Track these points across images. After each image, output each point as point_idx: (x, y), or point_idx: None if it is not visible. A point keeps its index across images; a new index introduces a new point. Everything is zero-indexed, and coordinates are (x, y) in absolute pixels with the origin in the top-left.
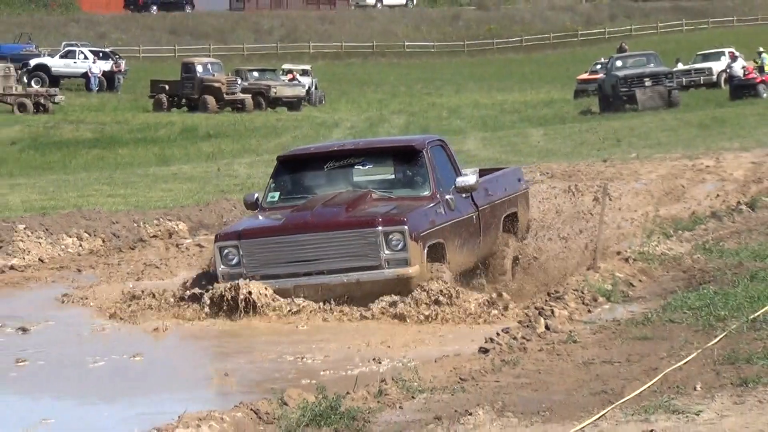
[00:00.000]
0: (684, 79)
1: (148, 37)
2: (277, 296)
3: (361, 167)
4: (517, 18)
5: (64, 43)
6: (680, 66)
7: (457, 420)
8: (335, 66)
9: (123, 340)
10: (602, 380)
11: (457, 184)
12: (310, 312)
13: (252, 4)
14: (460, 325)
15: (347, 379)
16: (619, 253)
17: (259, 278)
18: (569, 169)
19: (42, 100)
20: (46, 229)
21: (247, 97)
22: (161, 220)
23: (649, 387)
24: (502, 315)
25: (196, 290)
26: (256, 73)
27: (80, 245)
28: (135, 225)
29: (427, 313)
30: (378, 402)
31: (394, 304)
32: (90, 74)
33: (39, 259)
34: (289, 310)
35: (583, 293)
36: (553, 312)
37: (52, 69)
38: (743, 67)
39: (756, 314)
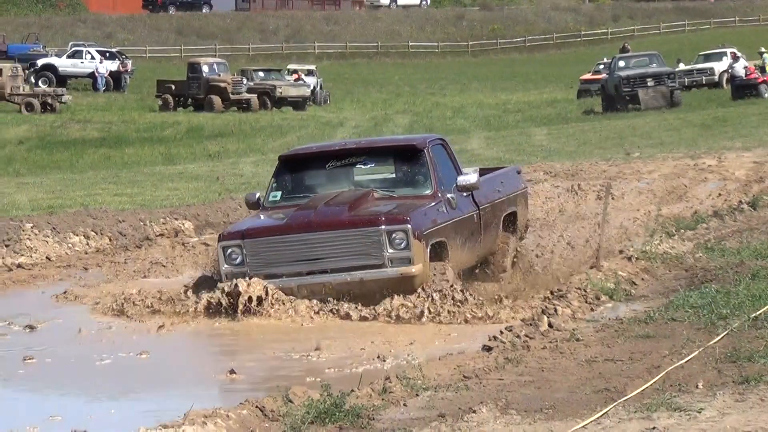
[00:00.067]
0: (686, 79)
1: (155, 38)
2: (278, 294)
3: (362, 166)
4: (521, 18)
5: (71, 43)
6: (681, 66)
7: (460, 417)
8: (340, 66)
9: (129, 338)
10: (605, 378)
11: (458, 183)
12: (315, 312)
13: (257, 4)
14: (463, 324)
15: (352, 377)
16: (621, 251)
17: (263, 277)
18: (572, 168)
19: (49, 100)
20: (53, 228)
21: (253, 97)
22: (167, 218)
23: (651, 385)
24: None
25: (200, 290)
26: (261, 73)
27: (87, 244)
28: (141, 224)
29: (431, 314)
30: (382, 399)
31: (399, 307)
32: (97, 74)
33: (46, 258)
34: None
35: (586, 292)
36: (556, 310)
37: (60, 69)
38: (745, 68)
39: (757, 313)
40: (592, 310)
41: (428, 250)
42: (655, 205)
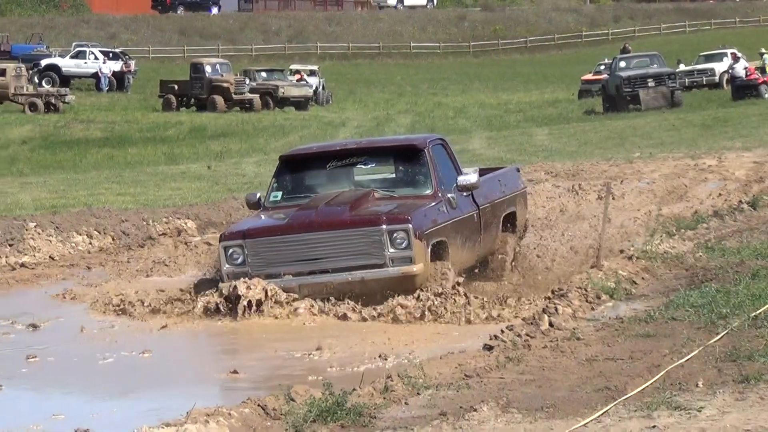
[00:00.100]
0: (687, 80)
1: (158, 38)
2: (278, 296)
3: (363, 166)
4: (522, 19)
5: (74, 44)
6: (681, 67)
7: (462, 416)
8: (342, 66)
9: (132, 336)
10: (605, 377)
11: (458, 183)
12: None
13: (260, 5)
14: (464, 324)
15: (354, 376)
16: (622, 251)
17: (264, 277)
18: (573, 168)
19: (53, 100)
20: (57, 227)
21: (255, 97)
22: (170, 218)
23: (651, 384)
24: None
25: (202, 290)
26: (264, 74)
27: (90, 243)
28: (144, 223)
29: (433, 315)
30: (384, 398)
31: (400, 307)
32: (100, 74)
33: (49, 257)
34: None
35: (586, 291)
36: (557, 309)
37: (63, 69)
38: (745, 68)
39: (757, 312)
40: (592, 309)
41: (429, 249)
42: (656, 205)
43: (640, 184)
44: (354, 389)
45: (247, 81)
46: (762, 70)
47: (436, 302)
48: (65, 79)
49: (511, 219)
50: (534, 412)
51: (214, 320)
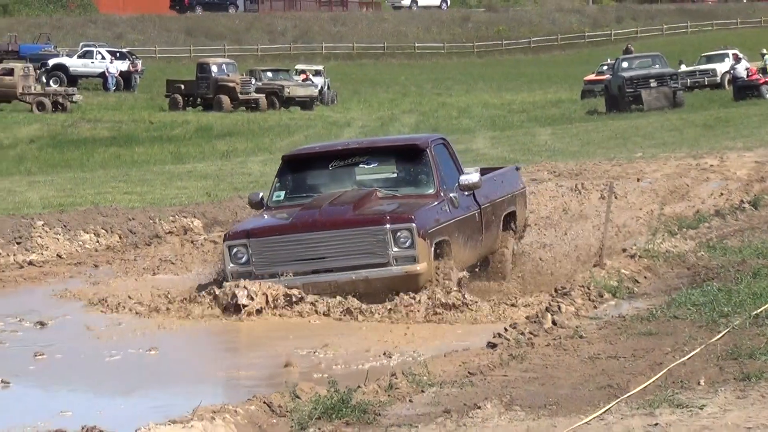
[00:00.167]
0: (689, 80)
1: (165, 38)
2: (279, 301)
3: (365, 166)
4: (526, 20)
5: (82, 44)
6: (683, 67)
7: (465, 413)
8: (347, 66)
9: (138, 334)
10: (608, 375)
11: (460, 183)
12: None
13: (266, 5)
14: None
15: (358, 374)
16: (624, 250)
17: (268, 276)
18: (576, 167)
19: (60, 99)
20: (64, 226)
21: (261, 97)
22: (176, 216)
23: (653, 382)
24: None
25: (207, 289)
26: (269, 74)
27: (97, 241)
28: (151, 222)
29: (436, 315)
30: (388, 395)
31: (405, 307)
32: (107, 74)
33: (57, 255)
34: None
35: (589, 289)
36: (560, 308)
37: (70, 69)
38: (746, 69)
39: (759, 310)
40: (595, 307)
41: (432, 248)
42: (658, 205)
43: (642, 183)
44: (359, 387)
45: (253, 81)
46: (763, 70)
47: (441, 302)
48: (73, 79)
49: (511, 218)
50: (537, 409)
51: (220, 318)
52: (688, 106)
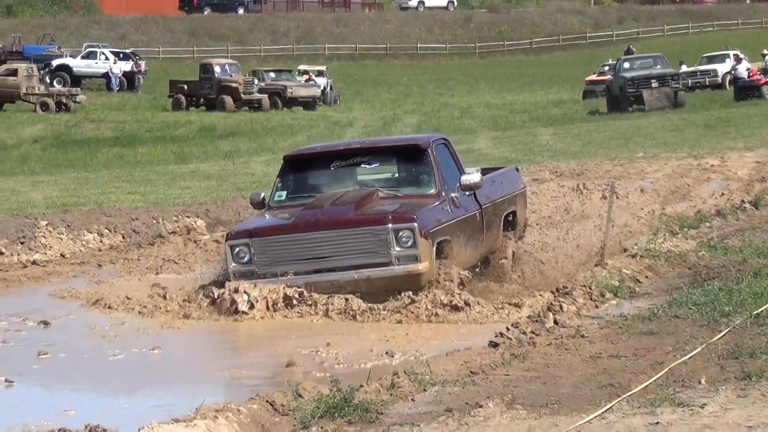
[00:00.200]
0: (690, 81)
1: (168, 39)
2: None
3: (367, 166)
4: (528, 21)
5: (85, 44)
6: (684, 68)
7: (467, 412)
8: (350, 67)
9: (142, 333)
10: (609, 374)
11: (462, 182)
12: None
13: (269, 6)
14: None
15: (361, 373)
16: (626, 250)
17: (270, 275)
18: (577, 167)
19: (64, 100)
20: (68, 226)
21: (264, 97)
22: (180, 216)
23: (654, 381)
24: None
25: (210, 288)
26: (272, 74)
27: (101, 241)
28: (154, 221)
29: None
30: (391, 394)
31: (407, 306)
32: (111, 74)
33: (60, 255)
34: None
35: (590, 289)
36: (561, 307)
37: (74, 69)
38: (747, 69)
39: (759, 310)
40: (596, 307)
41: (434, 248)
42: (659, 204)
43: (643, 183)
44: (361, 386)
45: (256, 81)
46: (764, 71)
47: (442, 301)
48: (76, 79)
49: (511, 218)
50: (539, 408)
51: (223, 317)
52: (690, 107)
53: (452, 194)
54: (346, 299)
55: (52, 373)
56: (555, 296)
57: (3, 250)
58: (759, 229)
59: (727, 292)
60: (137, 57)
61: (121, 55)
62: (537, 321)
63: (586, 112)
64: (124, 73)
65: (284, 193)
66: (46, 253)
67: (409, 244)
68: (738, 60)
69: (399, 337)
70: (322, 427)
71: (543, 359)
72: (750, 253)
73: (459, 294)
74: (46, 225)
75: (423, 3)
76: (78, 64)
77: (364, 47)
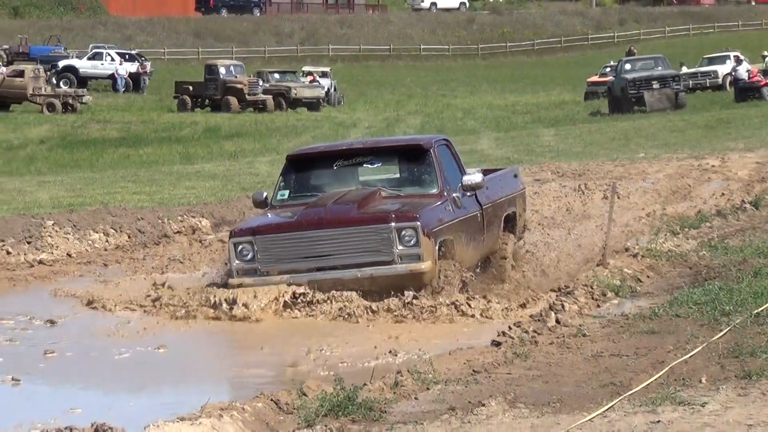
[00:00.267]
0: (690, 82)
1: (173, 40)
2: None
3: (369, 166)
4: (530, 22)
5: (91, 46)
6: (684, 69)
7: (470, 411)
8: (353, 68)
9: (147, 332)
10: (611, 373)
11: (463, 183)
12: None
13: (273, 8)
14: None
15: (364, 371)
16: (627, 249)
17: (273, 273)
18: (579, 168)
19: (70, 101)
20: (74, 225)
21: (269, 98)
22: (185, 216)
23: (656, 379)
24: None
25: (214, 288)
26: (277, 75)
27: (107, 241)
28: (159, 221)
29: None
30: (394, 393)
31: (408, 305)
32: (117, 75)
33: (67, 254)
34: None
35: (592, 288)
36: (563, 306)
37: (80, 70)
38: (748, 71)
39: (760, 309)
40: (598, 306)
41: (437, 247)
42: (660, 205)
43: (644, 183)
44: (365, 384)
45: (261, 82)
46: (765, 72)
47: (444, 301)
48: (82, 80)
49: (511, 219)
50: (541, 407)
51: (227, 317)
52: (690, 108)
53: (454, 194)
54: (349, 298)
55: (58, 371)
56: (557, 295)
57: (10, 249)
58: (759, 229)
59: (728, 291)
60: (143, 58)
61: (127, 56)
62: (539, 320)
63: (588, 113)
64: (130, 75)
65: (287, 192)
66: (52, 253)
67: (412, 242)
68: (738, 61)
69: (402, 336)
70: (326, 426)
71: (545, 358)
72: (750, 252)
73: (460, 293)
74: (53, 225)
75: (435, 4)
76: (84, 66)
77: (367, 48)
